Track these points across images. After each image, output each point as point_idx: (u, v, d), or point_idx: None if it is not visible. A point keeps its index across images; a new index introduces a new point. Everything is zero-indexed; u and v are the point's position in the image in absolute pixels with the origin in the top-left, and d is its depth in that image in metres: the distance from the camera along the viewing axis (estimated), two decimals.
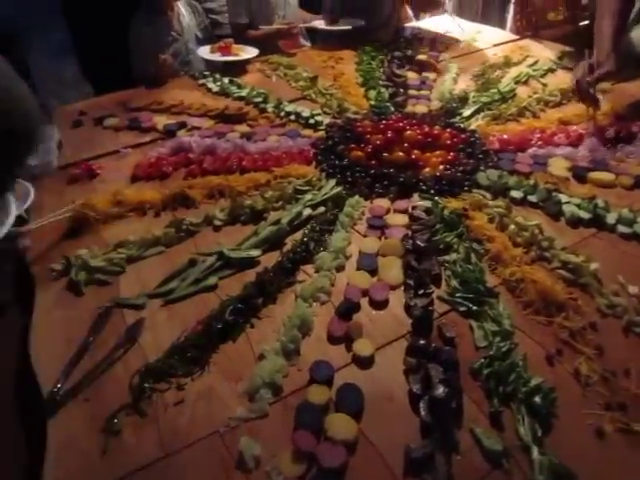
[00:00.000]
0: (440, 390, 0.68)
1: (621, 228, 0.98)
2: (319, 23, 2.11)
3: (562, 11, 1.78)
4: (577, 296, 0.84)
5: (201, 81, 1.68)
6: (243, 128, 1.41)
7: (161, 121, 1.43)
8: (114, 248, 0.98)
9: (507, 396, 0.69)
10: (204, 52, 1.77)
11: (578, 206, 1.03)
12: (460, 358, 0.74)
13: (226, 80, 1.66)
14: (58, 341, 0.81)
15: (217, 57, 1.76)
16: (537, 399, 0.68)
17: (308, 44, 2.26)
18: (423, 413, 0.67)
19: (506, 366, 0.72)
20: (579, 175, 1.15)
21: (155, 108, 1.51)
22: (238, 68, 1.77)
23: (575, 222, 1.01)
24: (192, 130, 1.40)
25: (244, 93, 1.56)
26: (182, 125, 1.41)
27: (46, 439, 0.67)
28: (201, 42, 1.85)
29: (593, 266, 0.88)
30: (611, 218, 1.00)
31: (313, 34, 2.24)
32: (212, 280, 0.91)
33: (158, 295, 0.90)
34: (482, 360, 0.73)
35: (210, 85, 1.64)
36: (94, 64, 2.09)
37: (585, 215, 1.01)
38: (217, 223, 1.05)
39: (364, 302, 0.86)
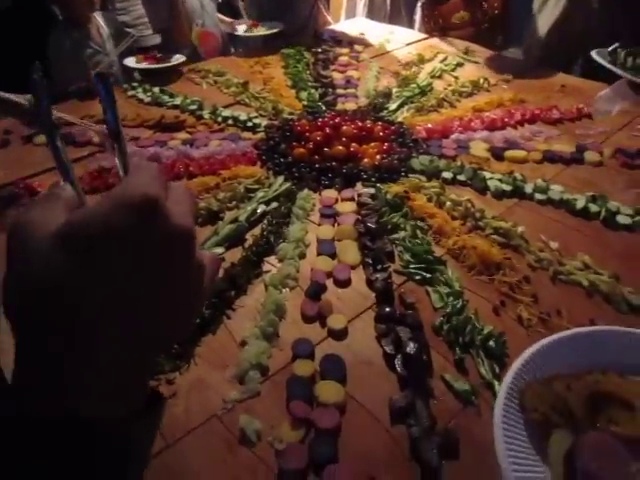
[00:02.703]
0: (411, 346, 0.77)
1: (538, 196, 1.13)
2: (238, 28, 2.17)
3: (465, 15, 1.97)
4: (510, 256, 0.96)
5: (130, 92, 1.67)
6: (183, 135, 1.43)
7: (97, 134, 1.42)
8: None
9: (466, 345, 0.79)
10: (131, 62, 1.76)
11: (500, 181, 1.17)
12: (423, 319, 0.84)
13: (157, 90, 1.66)
14: None
15: (146, 65, 1.76)
16: (491, 343, 0.78)
17: (231, 49, 2.30)
18: (399, 369, 0.76)
19: (462, 320, 0.82)
20: (497, 154, 1.30)
21: (87, 122, 1.49)
22: (165, 77, 1.77)
23: (499, 194, 1.14)
24: (131, 141, 1.40)
25: (178, 102, 1.58)
26: None
27: None
28: (122, 54, 1.84)
29: (520, 229, 1.01)
30: (528, 188, 1.15)
31: (234, 39, 2.28)
32: None
33: None
34: (441, 318, 0.83)
35: (141, 96, 1.64)
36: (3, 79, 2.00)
37: (507, 187, 1.15)
38: None
39: (329, 283, 0.93)
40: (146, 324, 0.27)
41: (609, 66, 1.50)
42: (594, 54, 1.56)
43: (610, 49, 1.54)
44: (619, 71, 1.48)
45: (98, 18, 1.82)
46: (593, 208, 1.08)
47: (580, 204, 1.09)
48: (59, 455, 0.26)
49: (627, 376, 0.54)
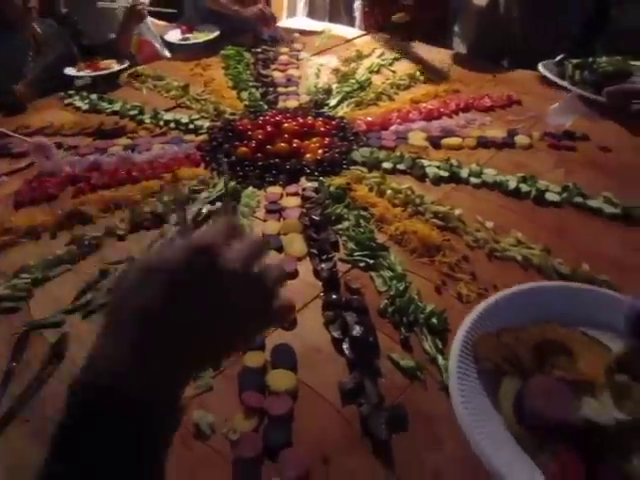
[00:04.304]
0: (357, 329, 0.80)
1: (473, 180, 1.18)
2: (174, 33, 2.14)
3: (404, 16, 2.01)
4: (449, 237, 1.01)
5: (67, 100, 1.63)
6: (124, 141, 1.41)
7: None
8: (15, 275, 0.96)
9: (410, 324, 0.83)
10: (71, 71, 1.72)
11: (438, 167, 1.22)
12: (368, 303, 0.87)
13: (95, 97, 1.63)
14: None
15: (87, 73, 1.72)
16: (434, 320, 0.82)
17: (167, 54, 2.27)
18: (347, 352, 0.79)
19: (405, 301, 0.86)
20: (434, 143, 1.35)
21: (23, 132, 1.44)
22: (106, 84, 1.74)
23: (437, 180, 1.19)
24: (70, 149, 1.37)
25: (117, 107, 1.56)
26: (58, 146, 1.37)
27: None
28: (64, 59, 1.78)
29: (457, 212, 1.06)
30: (464, 173, 1.20)
31: (171, 45, 2.25)
32: None
33: (75, 310, 0.90)
34: (386, 301, 0.87)
35: (78, 104, 1.60)
36: None
37: (444, 173, 1.20)
38: (120, 233, 1.07)
39: None
40: (194, 335, 0.37)
41: (558, 81, 1.49)
42: (541, 67, 1.53)
43: (557, 60, 1.55)
44: (568, 85, 1.48)
45: (35, 25, 1.76)
46: (524, 188, 1.14)
47: (512, 185, 1.15)
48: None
49: (568, 326, 0.58)
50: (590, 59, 1.40)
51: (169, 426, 0.37)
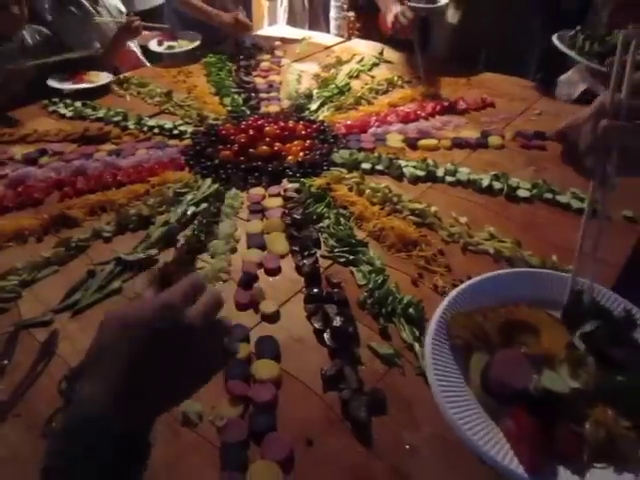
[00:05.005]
0: (337, 320, 0.83)
1: (448, 178, 1.24)
2: (155, 42, 2.16)
3: (387, 32, 2.05)
4: (425, 233, 1.06)
5: (51, 108, 1.65)
6: (108, 147, 1.43)
7: (18, 151, 1.40)
8: (3, 277, 0.98)
9: (389, 314, 0.87)
10: (54, 82, 1.74)
11: (414, 167, 1.27)
12: (348, 296, 0.91)
13: (79, 104, 1.65)
14: None
15: (70, 85, 1.74)
16: (411, 311, 0.86)
17: (147, 63, 2.28)
18: (328, 342, 0.82)
19: (384, 293, 0.90)
20: (411, 144, 1.40)
21: (7, 140, 1.46)
22: (90, 93, 1.76)
23: (414, 180, 1.24)
24: (55, 155, 1.39)
25: (101, 114, 1.58)
26: (43, 152, 1.39)
27: None
28: (51, 68, 1.80)
29: (433, 209, 1.11)
30: (440, 172, 1.25)
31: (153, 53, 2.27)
32: (116, 284, 0.96)
33: (64, 309, 0.92)
34: (365, 294, 0.91)
35: (62, 111, 1.62)
36: None
37: (421, 173, 1.25)
38: (106, 235, 1.09)
39: (260, 273, 0.99)
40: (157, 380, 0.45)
41: (566, 51, 1.46)
42: (554, 39, 1.49)
43: (572, 32, 1.49)
44: (576, 56, 1.45)
45: (25, 33, 1.77)
46: (496, 185, 1.20)
47: (485, 183, 1.20)
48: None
49: (534, 307, 0.63)
50: (605, 31, 1.41)
51: (142, 453, 0.45)
